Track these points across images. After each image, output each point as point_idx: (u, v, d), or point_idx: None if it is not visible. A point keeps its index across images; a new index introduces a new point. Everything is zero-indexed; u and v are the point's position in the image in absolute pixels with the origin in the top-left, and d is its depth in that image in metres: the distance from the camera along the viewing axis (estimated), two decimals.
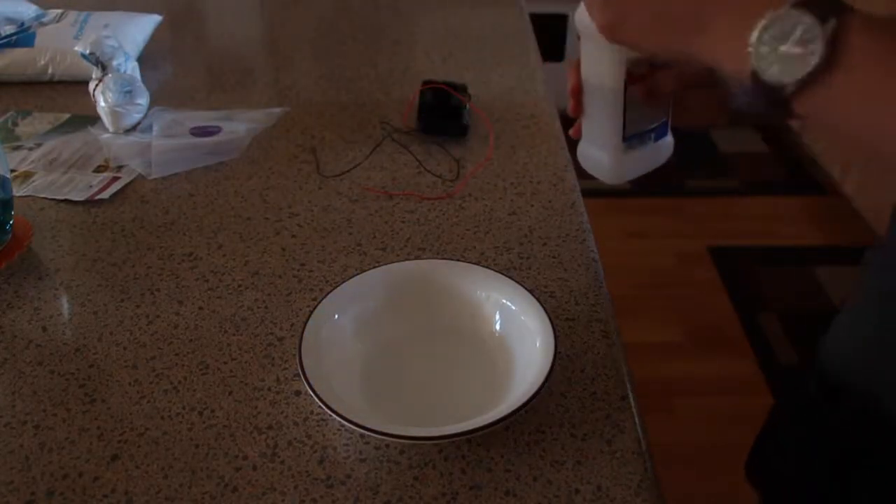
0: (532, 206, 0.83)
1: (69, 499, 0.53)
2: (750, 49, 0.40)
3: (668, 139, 0.60)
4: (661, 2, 0.45)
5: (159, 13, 1.25)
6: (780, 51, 0.39)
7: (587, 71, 0.57)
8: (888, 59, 0.38)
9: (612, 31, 0.48)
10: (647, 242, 2.34)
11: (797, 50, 0.38)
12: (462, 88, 1.00)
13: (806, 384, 0.73)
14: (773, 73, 0.39)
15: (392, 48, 1.25)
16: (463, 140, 0.96)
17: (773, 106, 0.41)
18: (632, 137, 0.58)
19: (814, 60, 0.38)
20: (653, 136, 0.59)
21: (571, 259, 0.75)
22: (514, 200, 0.84)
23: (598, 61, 0.56)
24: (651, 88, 0.55)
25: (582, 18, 0.53)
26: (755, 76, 0.40)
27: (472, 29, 1.32)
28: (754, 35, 0.40)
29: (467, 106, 0.98)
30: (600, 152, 0.60)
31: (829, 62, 0.38)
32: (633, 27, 0.47)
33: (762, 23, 0.39)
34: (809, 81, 0.39)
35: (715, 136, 2.89)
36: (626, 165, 0.59)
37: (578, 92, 0.58)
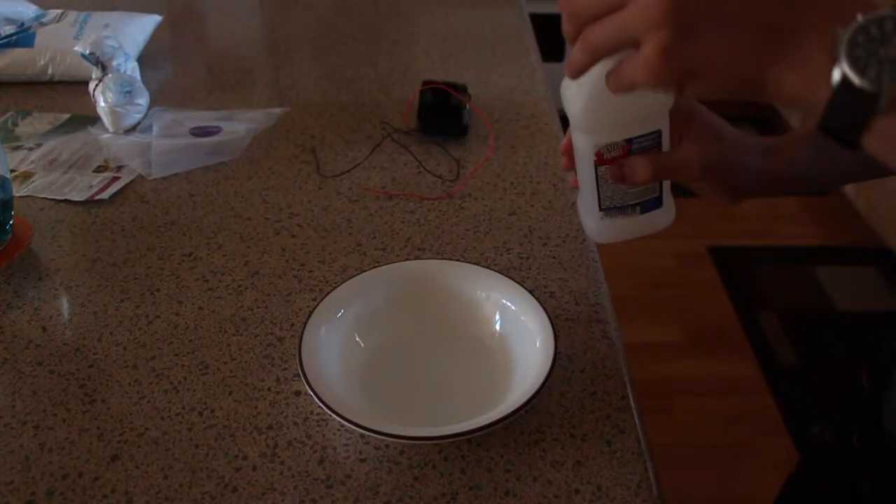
0: (532, 206, 0.83)
1: (69, 499, 0.53)
2: (842, 54, 0.35)
3: (663, 210, 0.59)
4: (738, 26, 0.39)
5: (159, 13, 1.25)
6: (878, 53, 0.35)
7: (574, 145, 0.57)
8: None
9: (667, 61, 0.40)
10: (647, 242, 2.31)
11: None
12: (462, 88, 1.00)
13: (842, 439, 0.70)
14: (870, 78, 0.35)
15: (392, 48, 1.25)
16: (463, 140, 0.96)
17: (855, 128, 0.37)
18: (609, 209, 0.58)
19: None
20: (638, 208, 0.58)
21: (571, 259, 0.75)
22: (514, 200, 0.84)
23: (575, 138, 0.56)
24: (623, 174, 0.53)
25: (564, 93, 0.52)
26: (845, 86, 0.35)
27: (472, 29, 1.32)
28: (845, 36, 0.35)
29: (467, 106, 0.98)
30: (584, 213, 0.61)
31: None
32: (698, 50, 0.39)
33: (857, 24, 0.35)
34: None
35: None
36: (607, 230, 0.59)
37: (568, 150, 0.58)
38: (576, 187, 0.60)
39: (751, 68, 0.39)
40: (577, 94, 0.51)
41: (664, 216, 0.59)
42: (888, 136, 0.35)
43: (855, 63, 0.35)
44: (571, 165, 0.58)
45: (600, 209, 0.58)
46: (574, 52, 0.45)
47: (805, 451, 0.77)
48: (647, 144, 0.53)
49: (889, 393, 0.64)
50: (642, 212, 0.58)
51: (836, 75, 0.36)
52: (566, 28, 0.45)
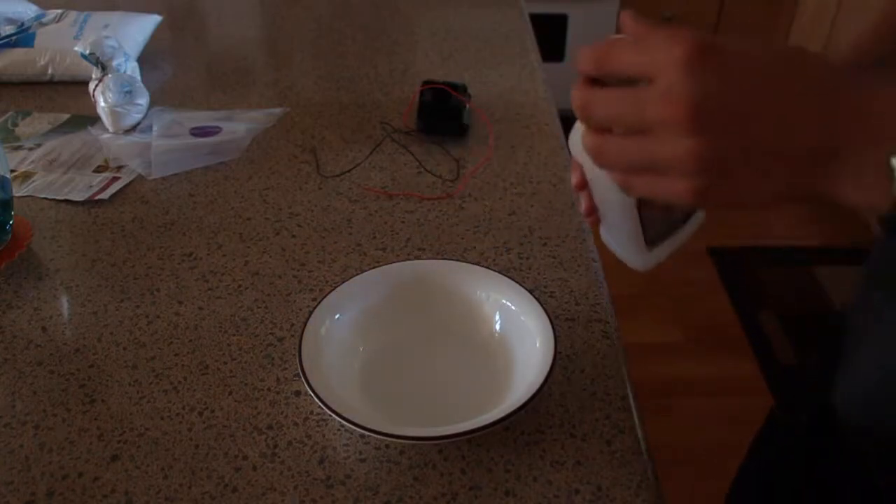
0: (532, 206, 0.83)
1: (69, 499, 0.53)
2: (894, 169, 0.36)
3: (697, 213, 0.56)
4: (778, 143, 0.38)
5: (159, 13, 1.26)
6: None
7: (595, 190, 0.51)
8: None
9: (701, 200, 0.39)
10: None
11: None
12: (462, 88, 1.00)
13: (794, 417, 0.71)
14: None
15: (392, 48, 1.25)
16: (463, 140, 0.96)
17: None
18: (655, 239, 0.54)
19: None
20: (680, 221, 0.55)
21: (571, 259, 0.75)
22: (514, 200, 0.84)
23: (607, 194, 0.50)
24: (669, 206, 0.49)
25: (575, 145, 0.48)
26: None
27: (472, 29, 1.32)
28: None
29: (467, 106, 0.98)
30: (623, 251, 0.55)
31: None
32: (735, 187, 0.38)
33: None
34: None
35: None
36: (654, 258, 0.56)
37: (583, 187, 0.51)
38: (589, 216, 0.55)
39: (798, 192, 0.39)
40: None
41: (699, 217, 0.57)
42: None
43: None
44: (592, 212, 0.53)
45: (647, 244, 0.54)
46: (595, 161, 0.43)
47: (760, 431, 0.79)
48: None
49: (839, 369, 0.64)
50: (683, 222, 0.55)
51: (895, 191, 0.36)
52: (581, 118, 0.42)
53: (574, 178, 0.51)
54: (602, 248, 0.78)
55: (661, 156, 0.38)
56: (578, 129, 0.47)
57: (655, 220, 0.53)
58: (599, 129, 0.41)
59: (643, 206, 0.50)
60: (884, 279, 0.61)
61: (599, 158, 0.42)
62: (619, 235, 0.55)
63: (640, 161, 0.40)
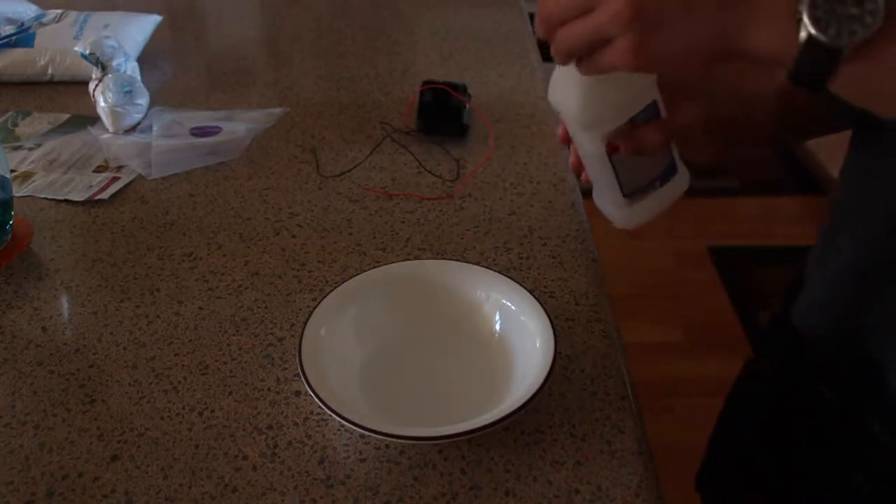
0: (532, 206, 0.83)
1: (69, 499, 0.53)
2: (804, 14, 0.39)
3: (679, 175, 0.60)
4: (697, 9, 0.42)
5: (159, 13, 1.25)
6: (836, 12, 0.38)
7: (575, 143, 0.58)
8: None
9: (640, 56, 0.43)
10: (647, 242, 2.33)
11: (854, 10, 0.38)
12: (462, 88, 1.00)
13: (766, 364, 0.77)
14: (831, 35, 0.38)
15: (392, 48, 1.25)
16: (463, 140, 0.96)
17: (810, 85, 0.40)
18: (633, 193, 0.58)
19: (871, 20, 0.38)
20: (658, 182, 0.59)
21: (571, 259, 0.75)
22: (514, 200, 0.84)
23: (578, 138, 0.56)
24: (636, 149, 0.55)
25: (555, 97, 0.54)
26: (810, 43, 0.39)
27: (472, 29, 1.32)
28: (806, 1, 0.39)
29: (467, 106, 0.98)
30: (608, 206, 0.61)
31: (888, 20, 0.38)
32: (665, 39, 0.43)
33: None
34: (866, 42, 0.38)
35: None
36: (635, 214, 0.60)
37: (567, 141, 0.59)
38: (588, 184, 0.62)
39: (719, 42, 0.42)
40: (570, 94, 0.52)
41: (682, 180, 0.60)
42: (851, 80, 0.40)
43: (817, 23, 0.38)
44: (577, 159, 0.61)
45: (624, 196, 0.58)
46: (553, 53, 0.48)
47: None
48: (647, 117, 0.54)
49: (800, 292, 0.69)
50: (662, 183, 0.59)
51: (803, 34, 0.39)
52: (539, 31, 0.47)
53: (560, 131, 0.58)
54: (602, 248, 0.78)
55: (601, 20, 0.43)
56: (555, 76, 0.53)
57: (630, 172, 0.57)
58: (554, 27, 0.46)
59: (613, 152, 0.55)
60: (840, 212, 0.65)
61: (555, 46, 0.47)
62: (600, 188, 0.60)
63: (587, 34, 0.44)
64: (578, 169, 0.62)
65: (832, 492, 0.66)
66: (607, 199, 0.60)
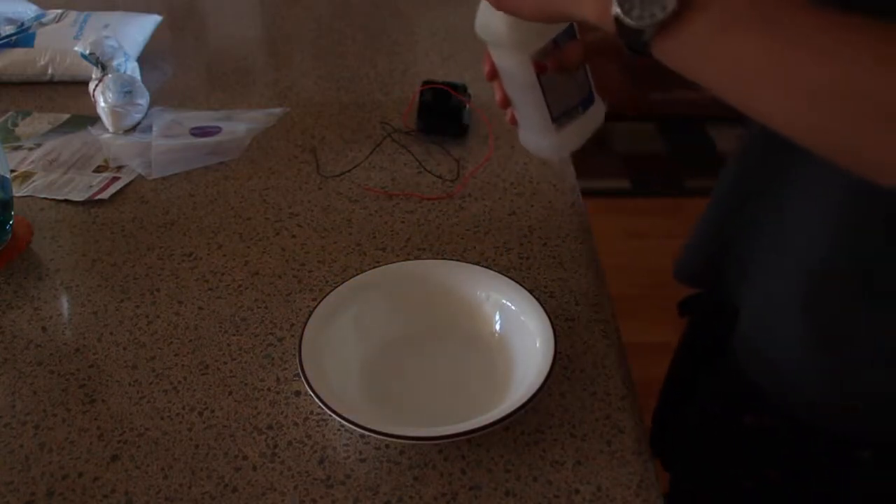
0: (532, 206, 0.83)
1: (69, 499, 0.53)
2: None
3: (597, 104, 0.63)
4: None
5: (159, 13, 1.25)
6: None
7: (502, 71, 0.61)
8: (737, 5, 0.40)
9: (502, 5, 0.53)
10: (647, 242, 2.33)
11: None
12: (462, 88, 1.00)
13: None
14: (634, 16, 0.41)
15: (392, 48, 1.25)
16: (463, 140, 0.96)
17: (635, 52, 0.43)
18: (560, 117, 0.61)
19: (671, 5, 0.40)
20: (580, 108, 0.62)
21: (571, 259, 0.75)
22: (514, 200, 0.84)
23: (507, 64, 0.59)
24: (561, 65, 0.58)
25: (482, 26, 0.59)
26: (618, 22, 0.42)
27: (472, 29, 1.31)
28: None
29: (467, 106, 0.98)
30: (537, 136, 0.64)
31: (684, 5, 0.40)
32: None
33: None
34: (665, 25, 0.41)
35: (714, 135, 2.89)
36: (563, 141, 0.63)
37: (494, 77, 0.62)
38: (514, 123, 0.65)
39: (557, 5, 0.48)
40: (500, 21, 0.57)
41: (600, 109, 0.64)
42: (662, 54, 0.43)
43: (622, 5, 0.42)
44: (506, 101, 0.63)
45: (553, 121, 0.61)
46: None
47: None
48: (567, 38, 0.58)
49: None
50: (584, 110, 0.62)
51: (612, 13, 0.43)
52: None
53: (486, 66, 0.62)
54: (602, 248, 0.78)
55: None
56: (481, 9, 0.58)
57: (556, 93, 0.60)
58: None
59: (541, 72, 0.58)
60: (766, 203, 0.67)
61: None
62: (529, 119, 0.63)
63: None
64: (505, 104, 0.64)
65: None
66: (536, 130, 0.63)
